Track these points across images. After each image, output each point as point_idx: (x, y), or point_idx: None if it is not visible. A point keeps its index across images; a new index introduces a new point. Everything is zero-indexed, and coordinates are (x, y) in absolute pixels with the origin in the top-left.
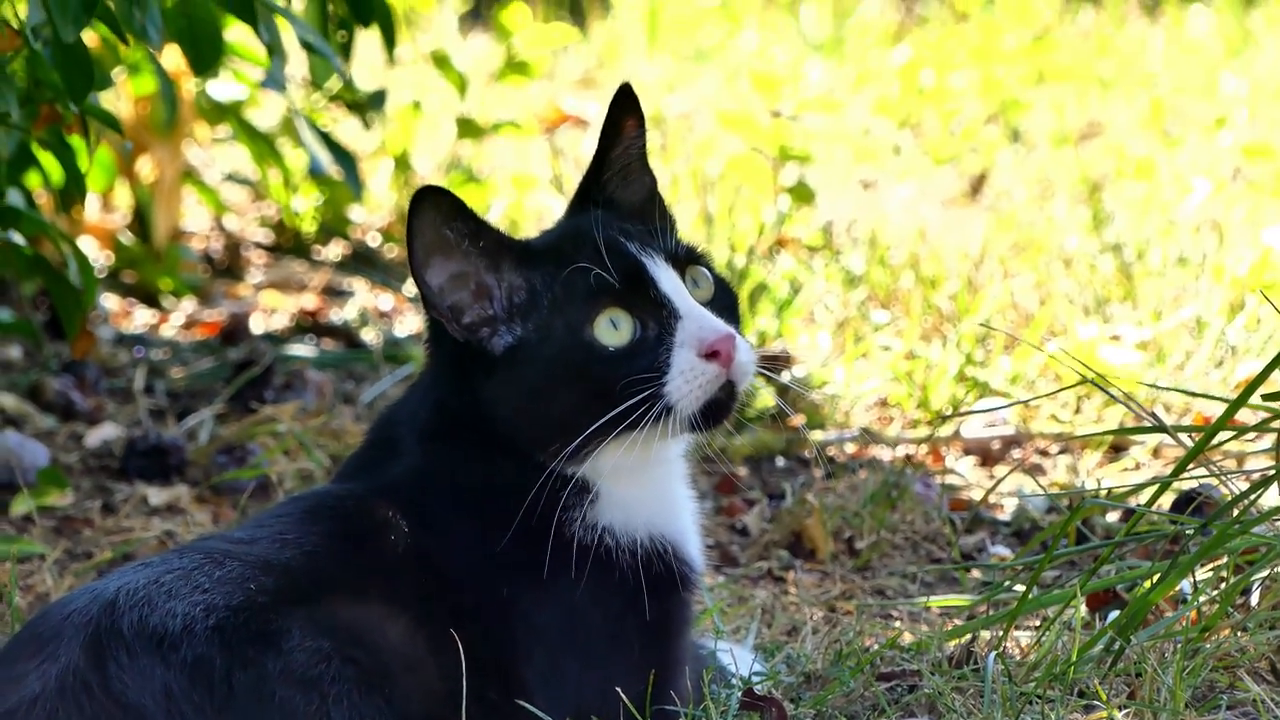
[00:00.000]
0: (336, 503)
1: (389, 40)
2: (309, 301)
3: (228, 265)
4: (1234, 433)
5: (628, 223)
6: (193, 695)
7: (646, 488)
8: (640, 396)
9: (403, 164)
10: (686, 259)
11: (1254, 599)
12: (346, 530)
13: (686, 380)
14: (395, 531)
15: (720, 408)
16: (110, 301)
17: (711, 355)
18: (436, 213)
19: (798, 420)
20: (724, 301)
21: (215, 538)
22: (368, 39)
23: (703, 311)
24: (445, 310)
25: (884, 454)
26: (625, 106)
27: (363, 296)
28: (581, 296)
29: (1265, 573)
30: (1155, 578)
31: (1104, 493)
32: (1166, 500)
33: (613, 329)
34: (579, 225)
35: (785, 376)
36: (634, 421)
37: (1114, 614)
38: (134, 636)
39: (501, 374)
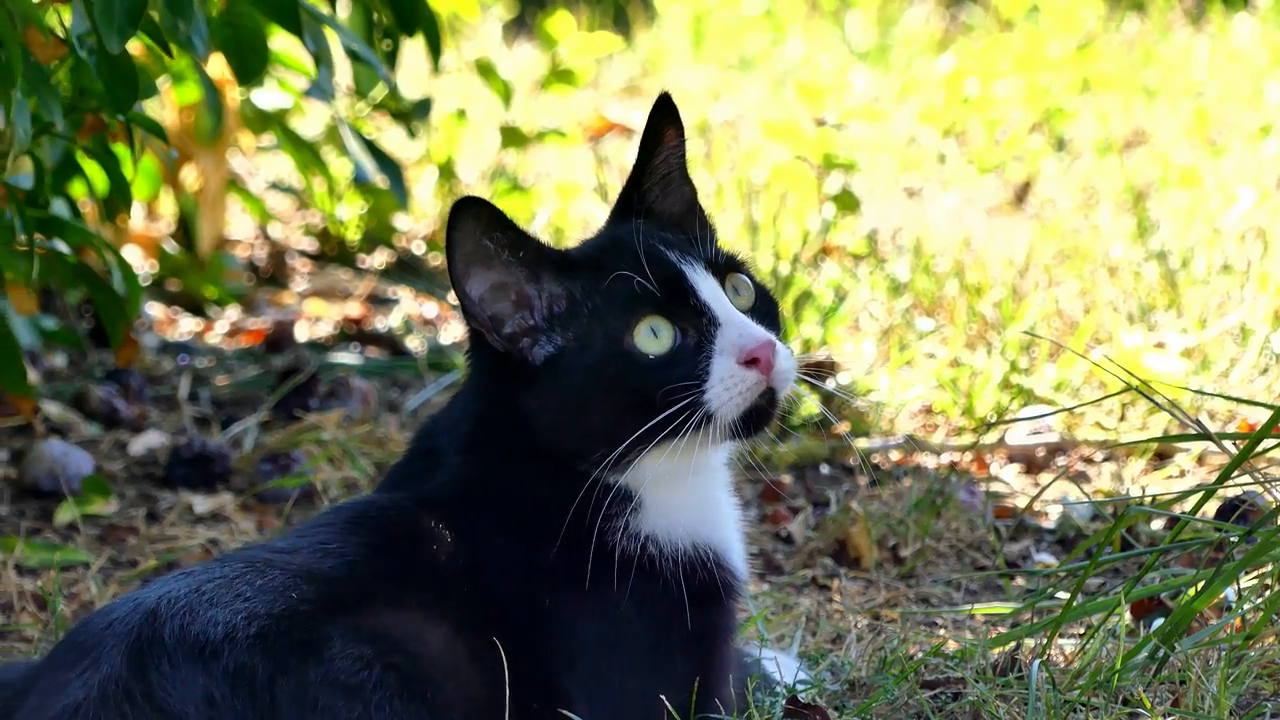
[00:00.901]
0: (379, 513)
1: (434, 49)
2: (353, 309)
3: (272, 273)
4: (1278, 440)
5: (668, 232)
6: (235, 703)
7: (689, 496)
8: (680, 404)
9: (447, 172)
10: (726, 267)
11: None
12: (389, 540)
13: (726, 388)
14: (438, 542)
15: (761, 415)
16: (155, 310)
17: (751, 362)
18: (476, 223)
19: (842, 428)
20: (765, 309)
21: (257, 547)
22: (413, 47)
23: (743, 319)
24: (485, 321)
25: (929, 461)
26: (665, 116)
27: (407, 304)
28: (621, 305)
29: None
30: (1200, 585)
31: (1148, 500)
32: (1211, 508)
33: (653, 337)
34: (619, 234)
35: (830, 384)
36: (675, 430)
37: (1158, 621)
38: (176, 645)
39: (542, 384)
